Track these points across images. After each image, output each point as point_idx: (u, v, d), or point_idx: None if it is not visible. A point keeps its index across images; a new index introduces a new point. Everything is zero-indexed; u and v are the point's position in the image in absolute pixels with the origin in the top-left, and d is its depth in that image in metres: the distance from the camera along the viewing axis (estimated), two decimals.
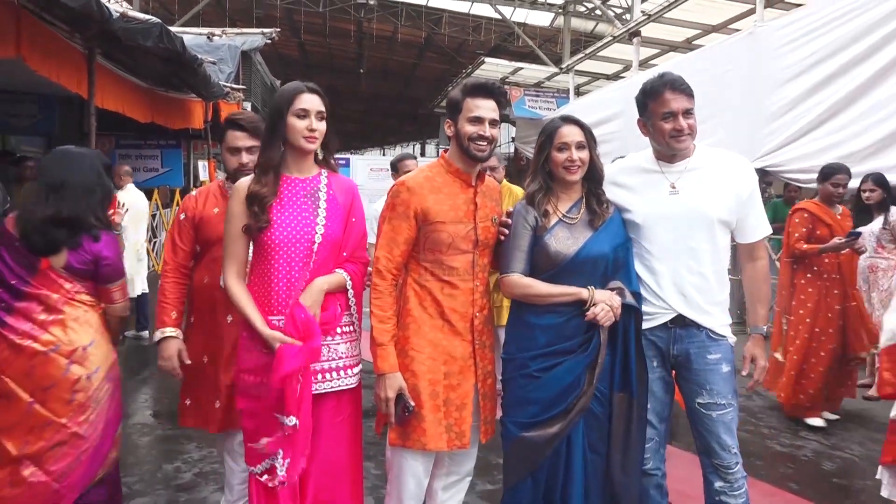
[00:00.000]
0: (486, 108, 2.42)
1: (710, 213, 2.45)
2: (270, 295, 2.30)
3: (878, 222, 5.17)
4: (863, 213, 5.33)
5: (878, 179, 5.18)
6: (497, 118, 2.44)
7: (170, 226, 2.70)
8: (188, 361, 2.67)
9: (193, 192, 2.87)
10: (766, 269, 2.59)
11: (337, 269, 2.38)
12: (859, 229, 5.34)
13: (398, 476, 2.50)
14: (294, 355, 2.19)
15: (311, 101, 2.31)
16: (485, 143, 2.41)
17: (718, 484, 2.47)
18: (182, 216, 2.79)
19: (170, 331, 2.67)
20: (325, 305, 2.34)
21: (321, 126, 2.33)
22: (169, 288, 2.72)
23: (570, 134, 2.43)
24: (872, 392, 5.10)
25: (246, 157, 2.71)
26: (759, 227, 2.55)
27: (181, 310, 2.74)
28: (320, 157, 2.44)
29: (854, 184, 5.45)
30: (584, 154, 2.44)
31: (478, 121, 2.41)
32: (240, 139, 2.73)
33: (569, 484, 2.40)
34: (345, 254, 2.42)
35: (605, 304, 2.33)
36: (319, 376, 2.33)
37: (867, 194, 5.22)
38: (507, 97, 2.50)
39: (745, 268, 2.61)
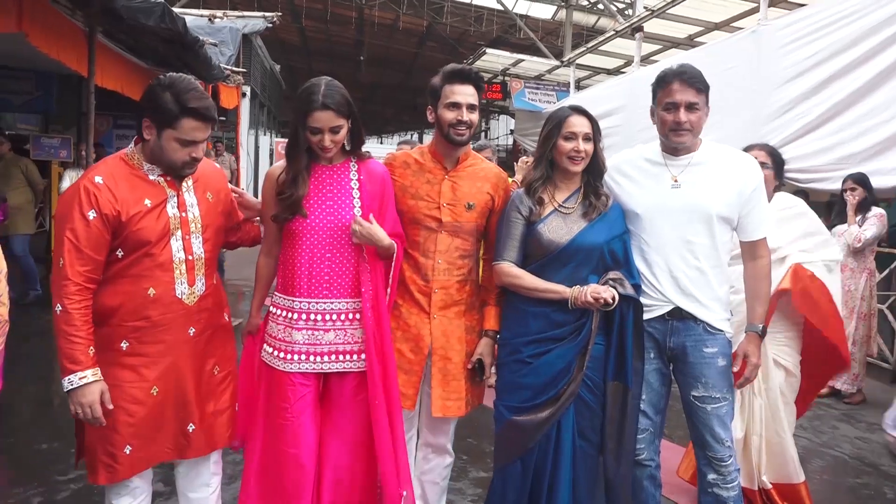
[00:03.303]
0: (463, 93, 2.50)
1: (710, 208, 2.46)
2: (294, 279, 2.40)
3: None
4: (845, 213, 5.39)
5: (858, 178, 5.22)
6: (475, 103, 2.53)
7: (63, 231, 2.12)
8: (111, 406, 2.13)
9: (99, 180, 2.13)
10: (767, 268, 2.58)
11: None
12: (837, 227, 5.42)
13: None
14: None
15: (322, 119, 2.29)
16: (463, 128, 2.50)
17: (711, 476, 2.50)
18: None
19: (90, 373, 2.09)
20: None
21: (337, 137, 2.34)
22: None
23: (579, 124, 2.44)
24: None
25: (200, 150, 2.22)
26: (761, 226, 2.55)
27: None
28: (347, 148, 2.47)
29: (835, 186, 5.51)
30: (590, 146, 2.45)
31: (455, 106, 2.50)
32: (198, 132, 2.17)
33: (557, 469, 2.43)
34: None
35: (579, 288, 2.36)
36: (345, 356, 2.42)
37: (848, 193, 5.27)
38: (484, 83, 2.56)
39: (746, 266, 2.61)
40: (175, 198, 2.25)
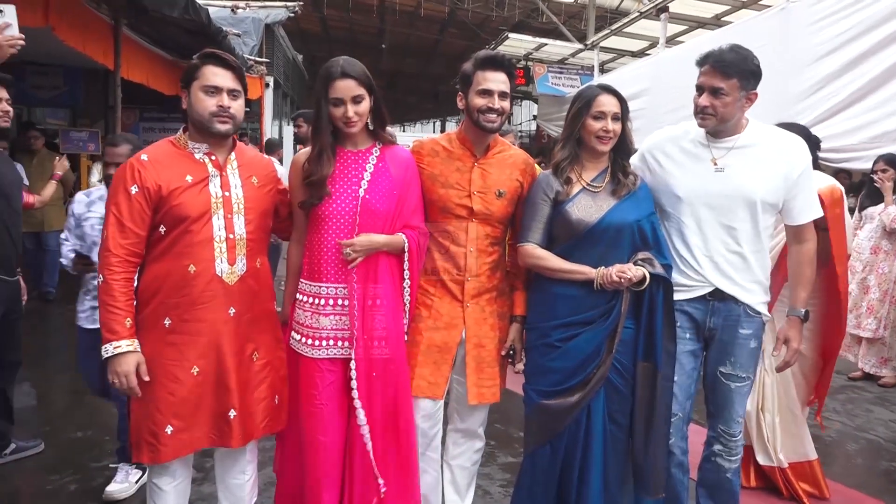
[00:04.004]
0: (495, 80, 2.46)
1: (754, 194, 2.40)
2: (321, 264, 2.40)
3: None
4: (875, 194, 5.27)
5: (889, 159, 5.09)
6: (507, 91, 2.49)
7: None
8: (147, 378, 2.19)
9: (144, 157, 2.24)
10: (811, 253, 2.54)
11: (397, 233, 2.44)
12: (868, 210, 5.30)
13: None
14: None
15: (344, 89, 2.31)
16: (494, 115, 2.46)
17: (718, 447, 2.56)
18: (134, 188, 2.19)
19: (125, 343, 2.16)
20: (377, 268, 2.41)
21: (360, 109, 2.34)
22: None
23: (608, 104, 2.40)
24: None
25: (227, 100, 2.25)
26: (806, 210, 2.49)
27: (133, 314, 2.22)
28: (370, 128, 2.46)
29: (867, 165, 5.38)
30: (618, 126, 2.41)
31: (487, 93, 2.46)
32: (220, 76, 2.25)
33: (588, 453, 2.42)
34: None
35: (605, 268, 2.33)
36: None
37: (879, 175, 5.15)
38: (516, 70, 2.50)
39: (790, 250, 2.58)
40: (218, 177, 2.29)
